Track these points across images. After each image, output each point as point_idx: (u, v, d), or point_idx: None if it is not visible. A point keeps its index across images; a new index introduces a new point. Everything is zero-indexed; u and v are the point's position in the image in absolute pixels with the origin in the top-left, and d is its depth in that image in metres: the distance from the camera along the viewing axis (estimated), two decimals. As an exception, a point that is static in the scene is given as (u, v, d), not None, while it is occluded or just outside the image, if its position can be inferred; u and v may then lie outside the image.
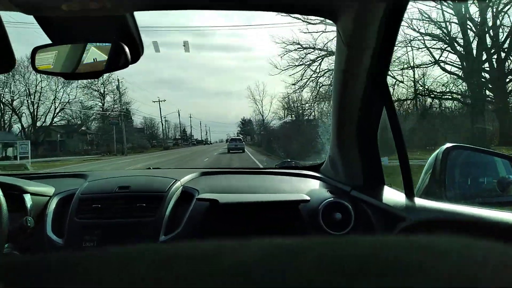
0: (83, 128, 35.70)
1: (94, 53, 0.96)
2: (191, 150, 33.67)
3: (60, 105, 33.43)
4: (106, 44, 0.93)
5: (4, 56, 0.71)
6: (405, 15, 1.00)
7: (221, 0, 0.79)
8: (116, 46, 0.92)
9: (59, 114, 34.17)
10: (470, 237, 0.27)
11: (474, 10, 14.88)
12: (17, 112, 32.31)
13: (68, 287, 0.24)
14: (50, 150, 31.95)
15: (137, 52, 0.97)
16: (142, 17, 0.95)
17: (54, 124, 34.06)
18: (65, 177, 1.86)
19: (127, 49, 0.92)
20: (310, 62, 19.65)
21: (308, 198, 1.44)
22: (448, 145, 1.43)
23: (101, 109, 35.61)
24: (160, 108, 56.23)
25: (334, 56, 1.27)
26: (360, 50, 1.12)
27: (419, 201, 1.16)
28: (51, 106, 33.05)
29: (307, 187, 1.59)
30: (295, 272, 0.23)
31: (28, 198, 1.41)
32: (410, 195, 1.18)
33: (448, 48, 15.92)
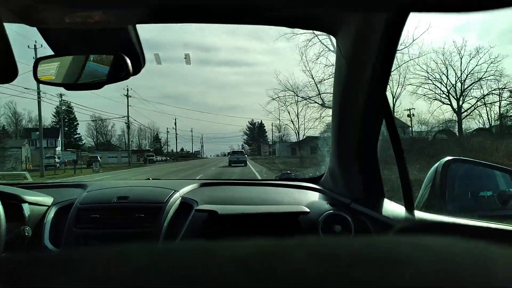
0: None
1: (96, 64, 0.97)
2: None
3: None
4: (108, 55, 0.94)
5: (7, 66, 0.72)
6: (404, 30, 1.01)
7: (222, 14, 0.80)
8: (118, 58, 0.93)
9: None
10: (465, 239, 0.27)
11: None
12: None
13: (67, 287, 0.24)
14: None
15: (139, 64, 0.98)
16: (146, 33, 0.96)
17: None
18: (64, 187, 1.85)
19: (128, 61, 0.93)
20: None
21: (307, 210, 1.44)
22: (448, 158, 1.43)
23: None
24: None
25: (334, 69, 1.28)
26: (360, 64, 1.13)
27: (419, 214, 1.16)
28: None
29: (307, 199, 1.58)
30: (288, 266, 0.24)
31: (26, 208, 1.40)
32: (410, 208, 1.18)
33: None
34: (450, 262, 0.24)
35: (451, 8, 0.46)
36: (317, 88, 22.53)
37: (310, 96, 23.27)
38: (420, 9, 0.51)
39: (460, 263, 0.24)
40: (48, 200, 1.53)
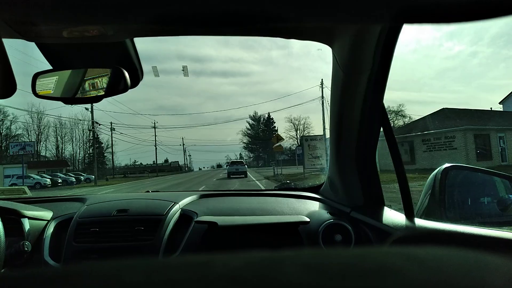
0: None
1: (94, 78, 0.97)
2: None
3: None
4: (106, 69, 0.95)
5: (6, 81, 0.73)
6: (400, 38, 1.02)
7: (218, 26, 0.81)
8: (116, 71, 0.94)
9: None
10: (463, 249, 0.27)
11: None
12: None
13: None
14: None
15: (137, 76, 0.99)
16: (142, 45, 0.98)
17: None
18: (63, 201, 1.85)
19: (126, 74, 0.93)
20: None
21: (307, 219, 1.43)
22: (447, 165, 1.43)
23: None
24: None
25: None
26: (356, 74, 1.14)
27: (419, 222, 1.15)
28: None
29: (307, 209, 1.57)
30: (283, 279, 0.24)
31: (25, 223, 1.39)
32: (410, 215, 1.17)
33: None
34: (444, 273, 0.24)
35: (445, 18, 0.47)
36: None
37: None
38: (414, 21, 0.52)
39: (455, 275, 0.24)
40: (47, 214, 1.53)
